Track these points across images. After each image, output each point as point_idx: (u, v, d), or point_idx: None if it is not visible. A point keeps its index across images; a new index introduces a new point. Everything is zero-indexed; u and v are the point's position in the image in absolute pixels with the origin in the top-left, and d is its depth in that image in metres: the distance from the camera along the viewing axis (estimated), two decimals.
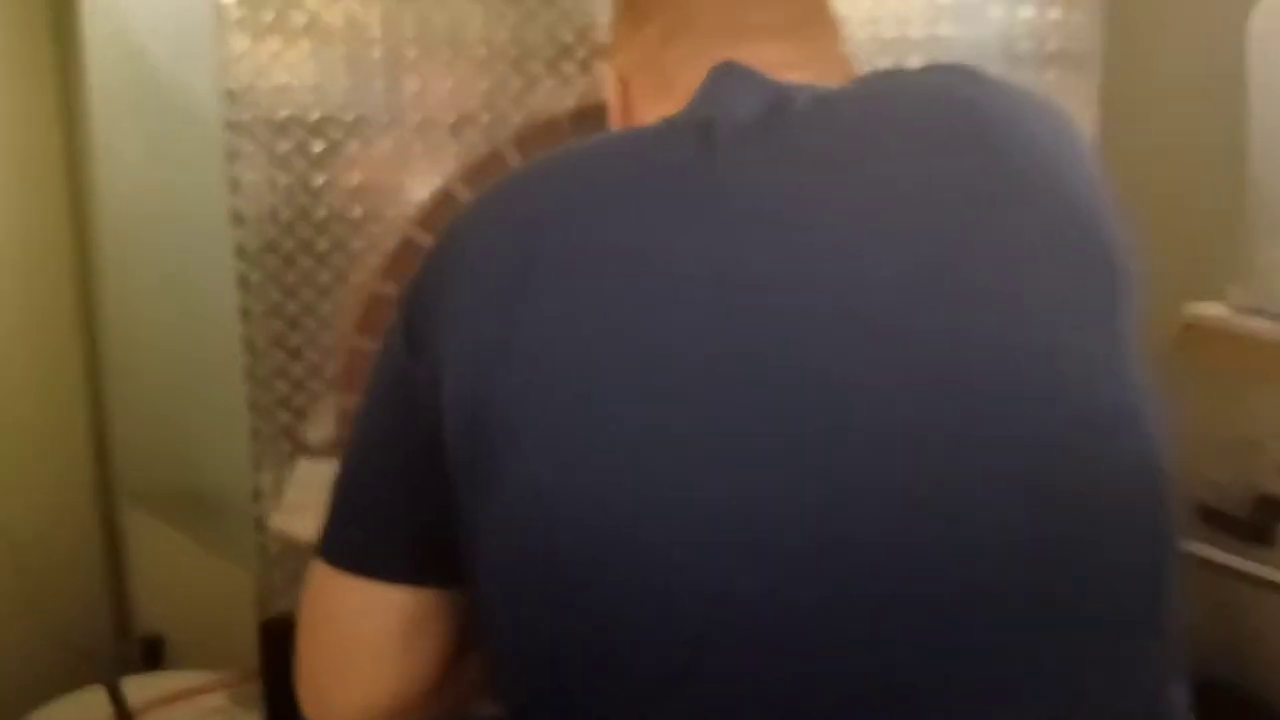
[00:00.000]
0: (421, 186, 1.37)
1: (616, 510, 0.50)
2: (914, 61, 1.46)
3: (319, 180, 1.37)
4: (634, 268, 0.54)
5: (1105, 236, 0.59)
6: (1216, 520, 1.45)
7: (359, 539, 0.63)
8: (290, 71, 1.35)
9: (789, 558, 0.49)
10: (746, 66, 0.67)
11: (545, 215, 0.58)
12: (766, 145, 0.59)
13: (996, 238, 0.56)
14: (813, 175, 0.57)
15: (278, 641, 1.31)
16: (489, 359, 0.54)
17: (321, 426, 1.38)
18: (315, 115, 1.36)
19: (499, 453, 0.52)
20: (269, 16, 1.34)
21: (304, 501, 1.29)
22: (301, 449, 1.39)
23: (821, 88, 0.64)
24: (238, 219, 1.37)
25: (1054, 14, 1.46)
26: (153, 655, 1.89)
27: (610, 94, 0.78)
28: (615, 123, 0.78)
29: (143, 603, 1.95)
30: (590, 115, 1.37)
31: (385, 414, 0.62)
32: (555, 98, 1.37)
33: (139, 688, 1.59)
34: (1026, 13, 1.45)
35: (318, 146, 1.37)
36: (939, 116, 0.61)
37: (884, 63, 1.43)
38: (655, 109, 0.69)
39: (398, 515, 0.62)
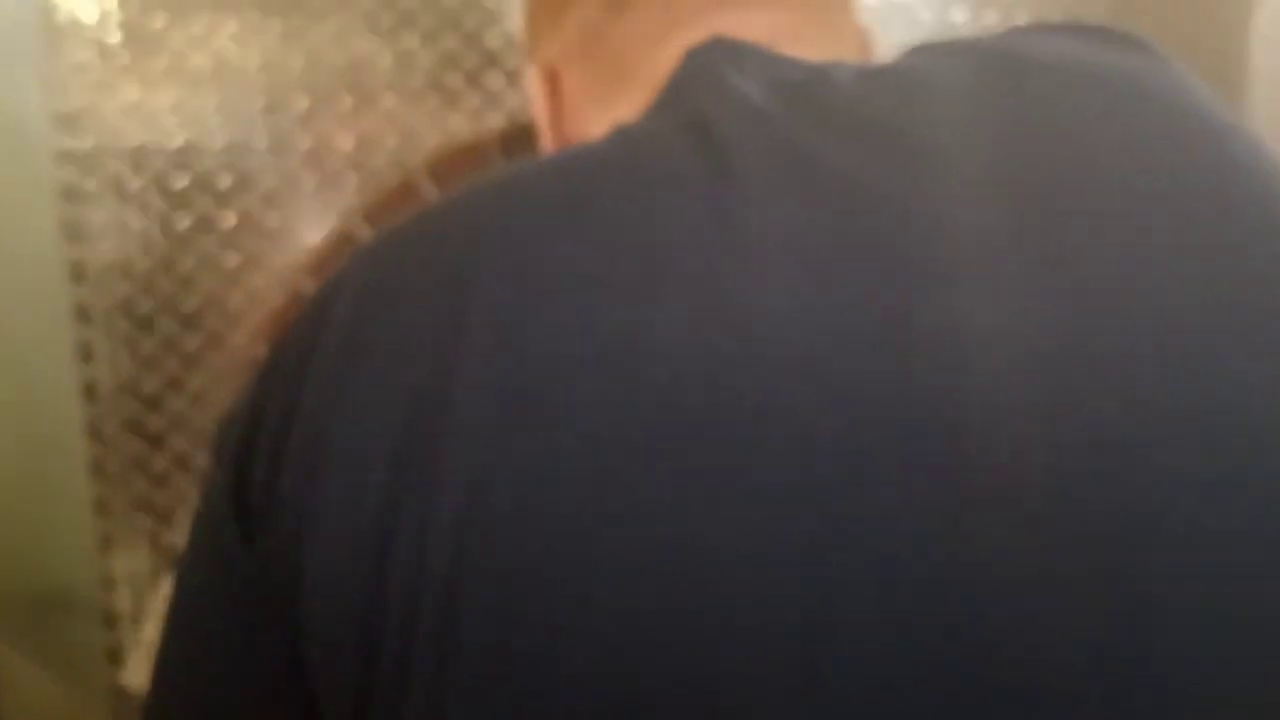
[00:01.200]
0: (314, 227, 1.21)
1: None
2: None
3: (184, 222, 1.20)
4: (636, 346, 0.40)
5: None
6: None
7: None
8: (143, 88, 1.17)
9: None
10: (740, 40, 0.51)
11: (471, 277, 0.43)
12: (812, 151, 0.43)
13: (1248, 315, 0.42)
14: (921, 196, 0.41)
15: None
16: (401, 502, 0.40)
17: None
18: (178, 142, 1.19)
19: (431, 640, 0.40)
20: (115, 19, 1.16)
21: None
22: (167, 562, 1.20)
23: (862, 65, 0.50)
24: (77, 272, 1.18)
25: (990, 17, 1.35)
26: None
27: (535, 100, 0.63)
28: (546, 136, 0.63)
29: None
30: (525, 137, 1.23)
31: (206, 616, 0.48)
32: (479, 117, 1.23)
33: None
34: (959, 15, 1.35)
35: (181, 181, 1.19)
36: (1121, 114, 0.45)
37: None
38: (606, 110, 0.56)
39: None
